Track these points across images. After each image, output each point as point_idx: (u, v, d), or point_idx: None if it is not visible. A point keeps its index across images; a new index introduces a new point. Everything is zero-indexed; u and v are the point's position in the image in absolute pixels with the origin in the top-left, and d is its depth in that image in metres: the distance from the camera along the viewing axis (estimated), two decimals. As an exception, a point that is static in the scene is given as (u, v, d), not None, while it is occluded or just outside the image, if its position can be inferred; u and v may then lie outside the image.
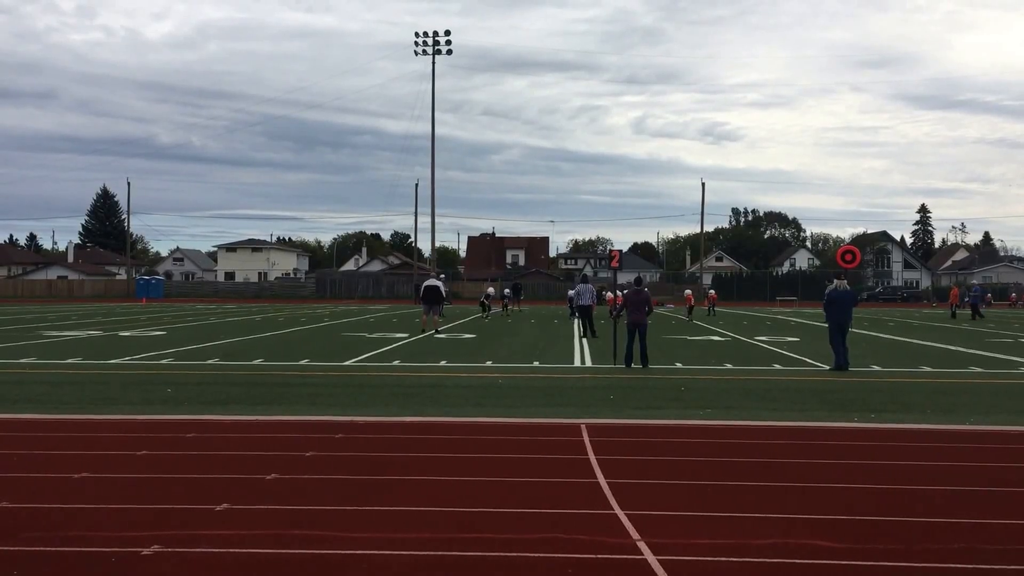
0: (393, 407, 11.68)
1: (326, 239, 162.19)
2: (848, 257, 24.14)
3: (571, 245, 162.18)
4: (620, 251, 21.54)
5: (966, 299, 46.51)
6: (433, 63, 75.32)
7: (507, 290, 46.39)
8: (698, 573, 5.11)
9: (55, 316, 40.43)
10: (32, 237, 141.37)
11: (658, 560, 5.25)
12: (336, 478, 7.40)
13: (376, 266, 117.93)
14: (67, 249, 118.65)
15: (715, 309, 46.48)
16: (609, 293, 38.02)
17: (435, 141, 77.09)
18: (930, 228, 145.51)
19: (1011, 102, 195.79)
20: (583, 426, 10.09)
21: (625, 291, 19.15)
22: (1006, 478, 7.65)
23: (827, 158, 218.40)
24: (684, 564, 5.22)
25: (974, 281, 54.44)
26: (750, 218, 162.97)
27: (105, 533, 5.74)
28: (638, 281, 18.50)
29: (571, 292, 36.34)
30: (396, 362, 18.10)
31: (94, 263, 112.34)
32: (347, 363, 17.93)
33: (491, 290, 43.55)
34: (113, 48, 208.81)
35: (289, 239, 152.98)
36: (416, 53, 75.23)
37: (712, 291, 49.25)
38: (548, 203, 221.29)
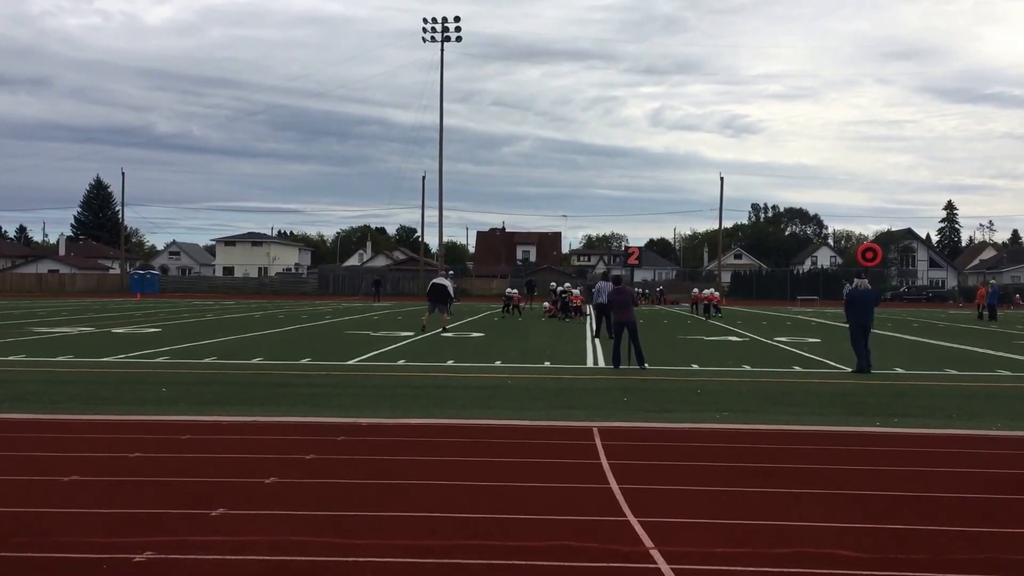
0: (398, 408, 11.68)
1: (329, 233, 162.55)
2: (869, 255, 24.18)
3: (584, 241, 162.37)
4: (639, 248, 21.67)
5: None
6: (442, 50, 75.37)
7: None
8: (713, 584, 5.10)
9: (45, 311, 40.56)
10: (22, 229, 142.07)
11: (672, 569, 5.24)
12: (337, 482, 7.41)
13: (381, 261, 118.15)
14: (58, 242, 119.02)
15: (714, 309, 43.16)
16: (574, 290, 37.67)
17: (443, 132, 77.24)
18: (957, 226, 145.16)
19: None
20: (595, 429, 10.08)
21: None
22: (1036, 486, 7.61)
23: (851, 152, 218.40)
24: (699, 573, 5.20)
25: (992, 280, 54.25)
26: (770, 214, 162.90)
27: (96, 539, 5.74)
28: (617, 280, 18.74)
29: (553, 285, 36.69)
30: (401, 361, 18.11)
31: (86, 256, 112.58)
32: (350, 362, 17.94)
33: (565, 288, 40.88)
34: (111, 33, 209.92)
35: (291, 233, 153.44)
36: (425, 40, 75.34)
37: (708, 290, 46.93)
38: (561, 197, 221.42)
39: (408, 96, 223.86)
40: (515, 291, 42.42)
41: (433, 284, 28.16)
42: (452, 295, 28.57)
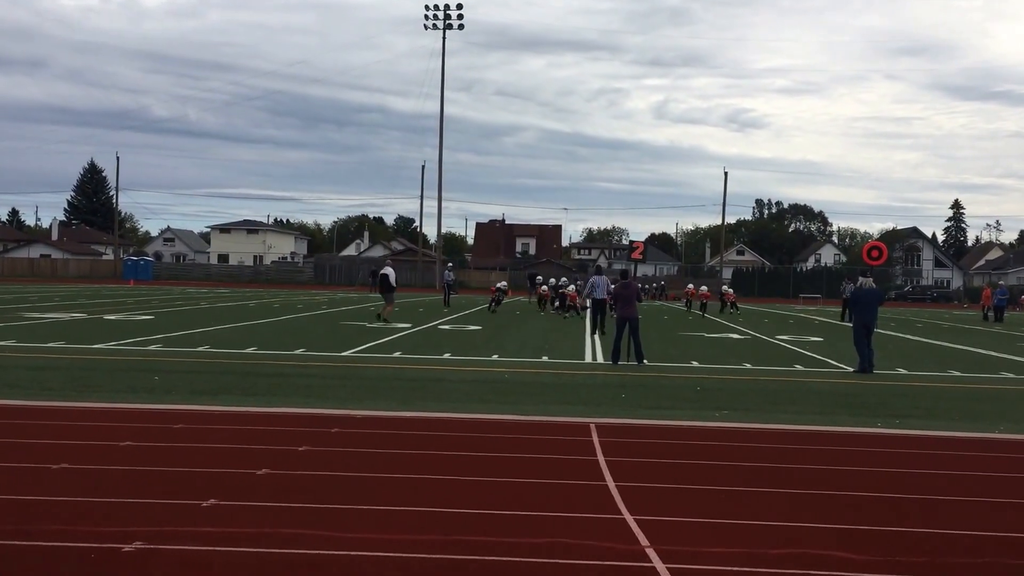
0: (392, 401, 11.69)
1: (326, 222, 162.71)
2: (875, 254, 24.13)
3: (585, 234, 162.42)
4: (644, 243, 21.71)
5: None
6: (444, 38, 75.28)
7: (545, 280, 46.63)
8: (709, 584, 5.11)
9: (37, 297, 40.54)
10: (14, 212, 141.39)
11: (668, 568, 5.24)
12: (330, 475, 7.41)
13: (378, 252, 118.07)
14: (51, 226, 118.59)
15: (731, 305, 43.85)
16: (571, 287, 37.68)
17: (444, 121, 77.22)
18: (963, 225, 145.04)
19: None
20: (592, 426, 10.09)
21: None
22: (1038, 491, 7.62)
23: (857, 149, 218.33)
24: (695, 573, 5.21)
25: (1000, 282, 54.36)
26: (774, 210, 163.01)
27: (84, 528, 5.75)
28: (624, 275, 18.91)
29: (539, 277, 36.85)
30: (397, 354, 18.12)
31: (79, 241, 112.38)
32: (345, 353, 17.94)
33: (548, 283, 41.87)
34: (107, 15, 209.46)
35: (287, 221, 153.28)
36: (427, 27, 75.29)
37: (691, 286, 47.14)
38: (562, 190, 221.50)
39: (409, 84, 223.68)
40: (504, 284, 42.38)
41: (380, 274, 29.76)
42: (394, 284, 29.40)
